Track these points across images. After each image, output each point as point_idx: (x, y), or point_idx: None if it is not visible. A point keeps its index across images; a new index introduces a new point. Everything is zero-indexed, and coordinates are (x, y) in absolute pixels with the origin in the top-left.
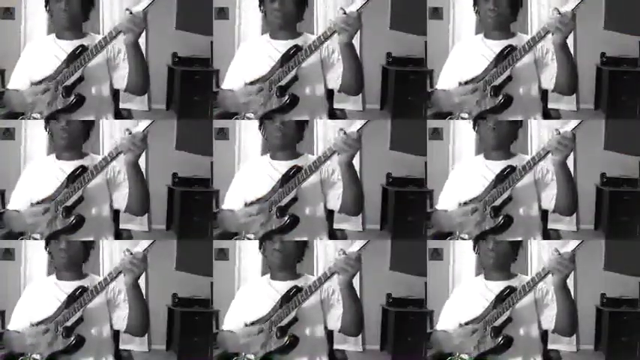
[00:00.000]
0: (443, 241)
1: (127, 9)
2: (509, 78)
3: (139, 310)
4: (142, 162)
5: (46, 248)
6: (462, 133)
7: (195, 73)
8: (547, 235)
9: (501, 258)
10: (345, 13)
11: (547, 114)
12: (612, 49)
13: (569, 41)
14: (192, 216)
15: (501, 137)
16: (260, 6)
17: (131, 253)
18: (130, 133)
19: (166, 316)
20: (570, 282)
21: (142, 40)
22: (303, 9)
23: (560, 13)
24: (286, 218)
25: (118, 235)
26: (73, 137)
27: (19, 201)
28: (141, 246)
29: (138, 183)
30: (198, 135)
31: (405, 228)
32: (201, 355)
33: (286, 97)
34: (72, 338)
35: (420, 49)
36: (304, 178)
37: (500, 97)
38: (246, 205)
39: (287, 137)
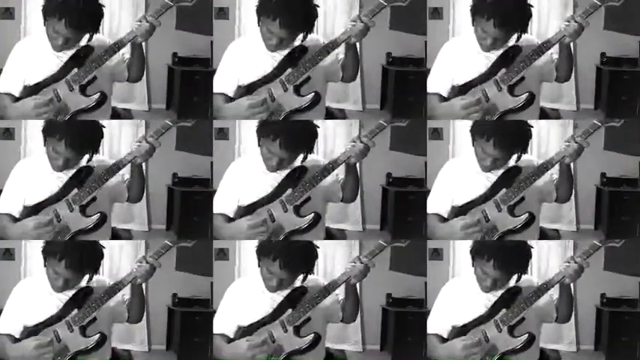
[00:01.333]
0: (443, 241)
1: (145, 17)
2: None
3: (141, 302)
4: None
5: (44, 265)
6: (462, 133)
7: (195, 73)
8: (545, 234)
9: (498, 283)
10: (362, 22)
11: (544, 114)
12: (612, 49)
13: None
14: (192, 216)
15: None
16: (258, 23)
17: (147, 262)
18: (149, 142)
19: (166, 316)
20: None
21: None
22: (306, 27)
23: (577, 22)
24: (311, 216)
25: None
26: (70, 160)
27: (10, 203)
28: (156, 254)
29: (139, 176)
30: (198, 135)
31: (405, 228)
32: (201, 355)
33: (310, 95)
34: (96, 337)
35: (420, 49)
36: (318, 181)
37: (525, 97)
38: (240, 208)
39: (283, 162)
